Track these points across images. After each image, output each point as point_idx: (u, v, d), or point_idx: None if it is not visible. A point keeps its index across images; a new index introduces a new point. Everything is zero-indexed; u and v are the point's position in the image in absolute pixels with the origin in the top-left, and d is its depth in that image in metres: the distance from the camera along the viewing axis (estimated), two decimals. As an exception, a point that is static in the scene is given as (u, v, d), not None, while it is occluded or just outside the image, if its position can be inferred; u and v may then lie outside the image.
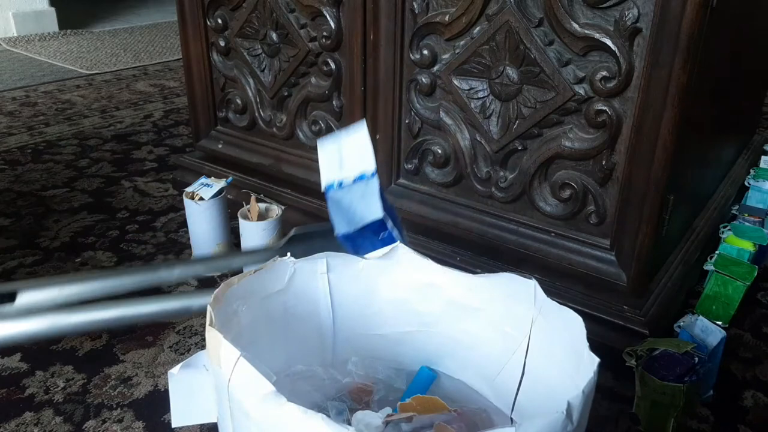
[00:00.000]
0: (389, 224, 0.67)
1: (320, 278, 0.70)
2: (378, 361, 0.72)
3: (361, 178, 0.66)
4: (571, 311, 0.61)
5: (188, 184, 1.09)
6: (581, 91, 0.78)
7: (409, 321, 0.74)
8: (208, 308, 0.55)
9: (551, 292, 0.89)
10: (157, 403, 0.78)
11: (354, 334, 0.74)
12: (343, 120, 1.03)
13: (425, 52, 0.88)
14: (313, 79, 1.05)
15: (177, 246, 1.13)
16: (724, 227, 1.06)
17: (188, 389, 0.55)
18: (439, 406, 0.62)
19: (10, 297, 0.63)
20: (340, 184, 0.67)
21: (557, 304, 0.63)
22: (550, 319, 0.63)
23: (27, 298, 0.63)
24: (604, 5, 0.73)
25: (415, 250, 0.71)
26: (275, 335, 0.68)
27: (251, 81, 1.14)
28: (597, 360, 0.53)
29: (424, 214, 0.98)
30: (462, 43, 0.85)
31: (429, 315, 0.73)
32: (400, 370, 0.73)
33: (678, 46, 0.69)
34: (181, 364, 0.55)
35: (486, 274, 0.69)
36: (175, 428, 0.65)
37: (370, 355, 0.73)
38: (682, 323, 0.83)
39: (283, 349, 0.69)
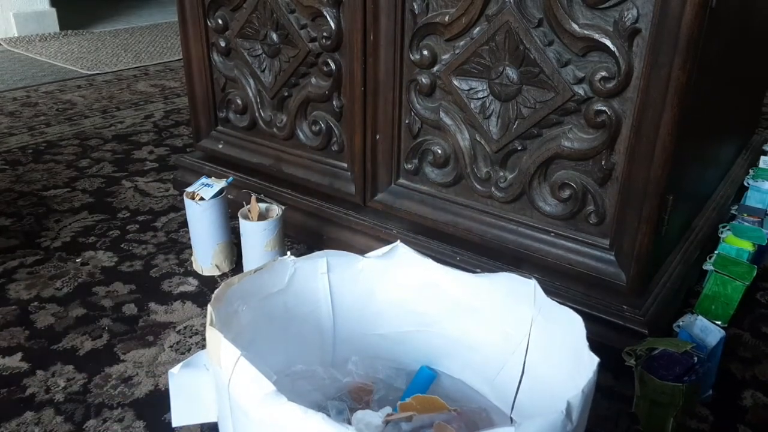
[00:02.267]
0: None
1: (320, 278, 0.71)
2: (378, 360, 0.73)
3: None
4: (571, 311, 0.61)
5: (189, 184, 1.09)
6: (581, 92, 0.78)
7: (409, 321, 0.74)
8: (209, 308, 0.55)
9: (551, 291, 0.89)
10: (158, 402, 0.78)
11: (354, 333, 0.74)
12: (343, 120, 1.03)
13: (425, 52, 0.88)
14: (313, 80, 1.05)
15: (177, 246, 1.14)
16: (724, 227, 1.06)
17: (189, 389, 0.55)
18: (439, 405, 0.62)
19: None
20: None
21: (557, 303, 0.63)
22: (550, 318, 0.63)
23: None
24: (604, 6, 0.73)
25: (414, 250, 0.72)
26: (275, 335, 0.68)
27: (251, 81, 1.14)
28: (597, 360, 0.53)
29: (424, 214, 0.98)
30: (462, 43, 0.85)
31: (429, 315, 0.73)
32: (400, 369, 0.73)
33: (677, 46, 0.69)
34: (181, 364, 0.55)
35: (486, 274, 0.69)
36: (175, 428, 0.65)
37: (370, 355, 0.73)
38: (681, 323, 0.84)
39: (283, 348, 0.69)
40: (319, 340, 0.73)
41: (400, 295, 0.73)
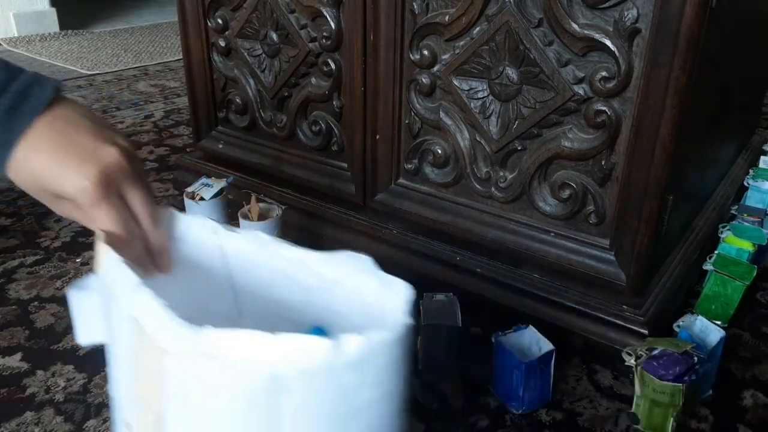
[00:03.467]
0: None
1: (208, 237, 0.68)
2: (278, 321, 0.72)
3: None
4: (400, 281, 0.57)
5: (189, 184, 1.09)
6: (581, 92, 0.78)
7: (294, 290, 0.72)
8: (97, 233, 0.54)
9: (551, 291, 0.89)
10: (158, 402, 0.78)
11: (254, 296, 0.72)
12: (343, 120, 1.03)
13: (425, 52, 0.88)
14: (313, 80, 1.05)
15: (177, 246, 1.14)
16: (724, 227, 1.06)
17: (86, 310, 0.55)
18: None
19: None
20: None
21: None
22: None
23: None
24: (604, 6, 0.73)
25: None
26: (174, 286, 0.67)
27: (252, 81, 1.14)
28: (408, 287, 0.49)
29: (424, 214, 0.98)
30: (462, 43, 0.85)
31: (307, 288, 0.71)
32: (299, 327, 0.72)
33: (677, 46, 0.69)
34: (77, 285, 0.54)
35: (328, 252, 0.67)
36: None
37: (271, 315, 0.72)
38: (681, 323, 0.84)
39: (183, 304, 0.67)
40: (218, 295, 0.71)
41: (282, 266, 0.70)
